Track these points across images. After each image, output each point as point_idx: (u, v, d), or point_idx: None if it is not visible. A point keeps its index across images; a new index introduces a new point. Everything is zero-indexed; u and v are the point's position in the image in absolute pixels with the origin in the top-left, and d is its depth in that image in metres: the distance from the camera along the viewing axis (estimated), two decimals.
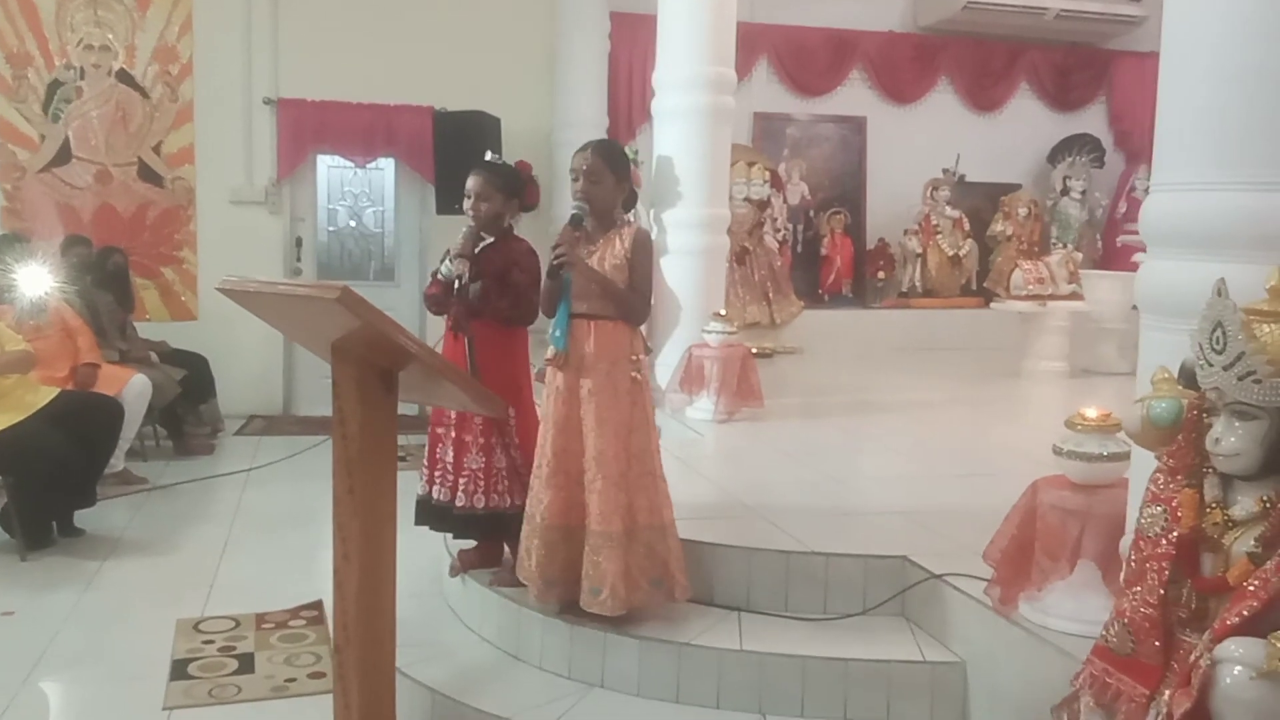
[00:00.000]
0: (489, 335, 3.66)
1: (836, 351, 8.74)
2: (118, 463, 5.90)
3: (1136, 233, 8.76)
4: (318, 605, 4.36)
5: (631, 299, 3.41)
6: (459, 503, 3.74)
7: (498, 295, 3.65)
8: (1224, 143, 2.24)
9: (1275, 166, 2.17)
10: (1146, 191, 8.70)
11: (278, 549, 5.15)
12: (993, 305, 8.64)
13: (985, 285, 9.86)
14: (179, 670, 3.78)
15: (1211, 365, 1.95)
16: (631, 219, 3.65)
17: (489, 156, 3.97)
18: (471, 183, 3.79)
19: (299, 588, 4.54)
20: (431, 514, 3.85)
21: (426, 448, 3.89)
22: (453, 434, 3.76)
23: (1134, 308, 8.01)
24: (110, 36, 7.96)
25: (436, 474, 3.82)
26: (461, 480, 3.74)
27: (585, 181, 3.42)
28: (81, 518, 5.22)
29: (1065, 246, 9.29)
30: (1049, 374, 7.81)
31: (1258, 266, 2.12)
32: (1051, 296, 7.86)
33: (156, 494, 6.02)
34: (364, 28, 8.31)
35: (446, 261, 3.73)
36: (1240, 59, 2.20)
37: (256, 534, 5.37)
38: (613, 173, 3.44)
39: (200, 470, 6.55)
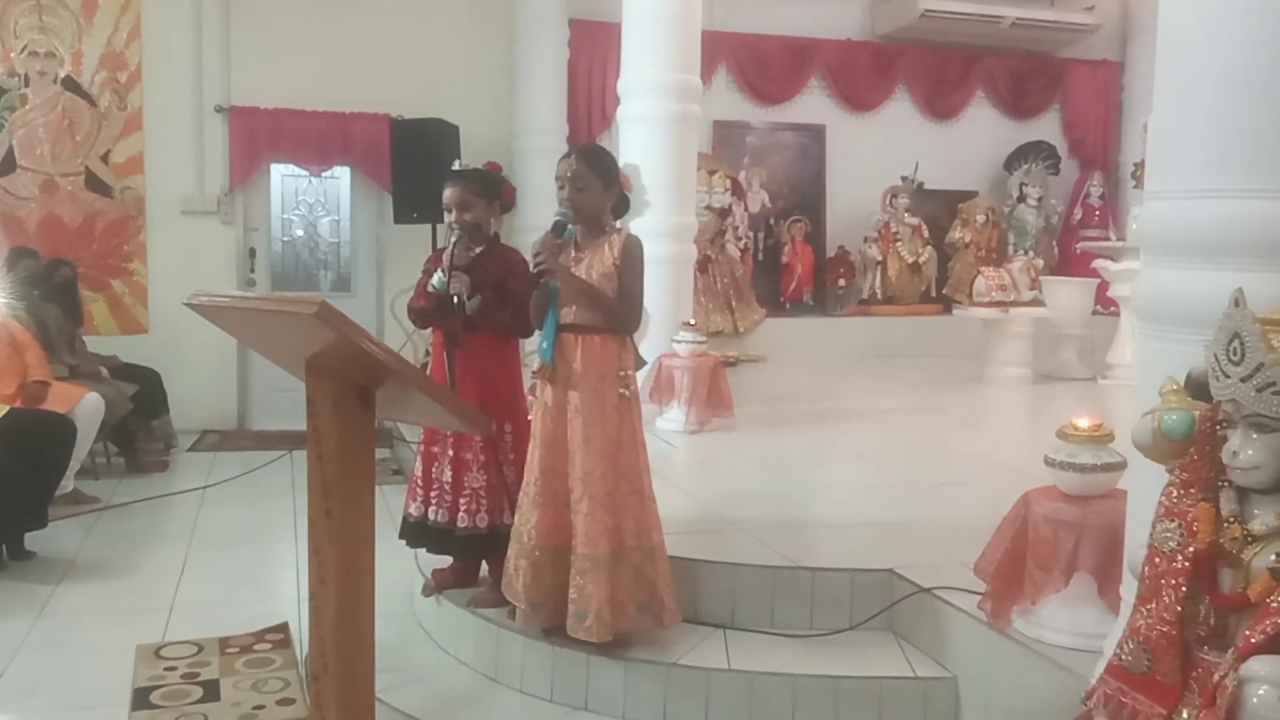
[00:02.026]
0: (484, 348, 3.58)
1: (799, 359, 8.75)
2: (68, 483, 5.71)
3: (1094, 238, 8.89)
4: (283, 628, 4.22)
5: (620, 308, 3.30)
6: (461, 523, 3.66)
7: (498, 307, 3.57)
8: (1228, 148, 2.20)
9: None
10: (1101, 198, 8.76)
11: (238, 569, 5.00)
12: (955, 311, 8.68)
13: (944, 292, 9.93)
14: (141, 699, 3.62)
15: (1228, 376, 1.90)
16: (618, 225, 3.56)
17: (457, 165, 3.88)
18: (449, 194, 3.68)
19: (262, 609, 4.40)
20: (430, 536, 3.76)
21: (419, 468, 3.79)
22: (450, 453, 3.67)
23: (1094, 313, 8.11)
24: (56, 43, 7.73)
25: (433, 494, 3.73)
26: (462, 500, 3.65)
27: (571, 189, 3.31)
28: (32, 540, 5.01)
29: (1026, 253, 9.37)
30: (1012, 380, 7.87)
31: (1266, 275, 2.09)
32: (1014, 303, 7.92)
33: (109, 514, 5.82)
34: (318, 34, 8.17)
35: (439, 274, 3.63)
36: (1245, 60, 2.16)
37: (215, 553, 5.20)
38: (599, 178, 3.33)
39: (154, 488, 6.35)
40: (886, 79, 10.05)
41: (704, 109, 6.58)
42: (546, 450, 3.33)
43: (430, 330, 3.87)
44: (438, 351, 3.76)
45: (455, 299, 3.61)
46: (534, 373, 3.36)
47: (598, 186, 3.33)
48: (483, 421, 2.78)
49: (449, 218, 3.70)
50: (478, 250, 3.70)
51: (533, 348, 3.67)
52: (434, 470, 3.73)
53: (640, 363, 3.68)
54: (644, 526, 3.32)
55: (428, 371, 4.00)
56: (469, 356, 3.64)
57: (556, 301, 3.29)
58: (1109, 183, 10.62)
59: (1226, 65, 2.19)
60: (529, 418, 3.72)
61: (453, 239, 3.72)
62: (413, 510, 3.80)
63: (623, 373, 3.31)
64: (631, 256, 3.32)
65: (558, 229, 3.29)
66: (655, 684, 3.25)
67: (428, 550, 3.88)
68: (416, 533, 3.80)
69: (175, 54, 7.96)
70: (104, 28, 7.81)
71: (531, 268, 3.25)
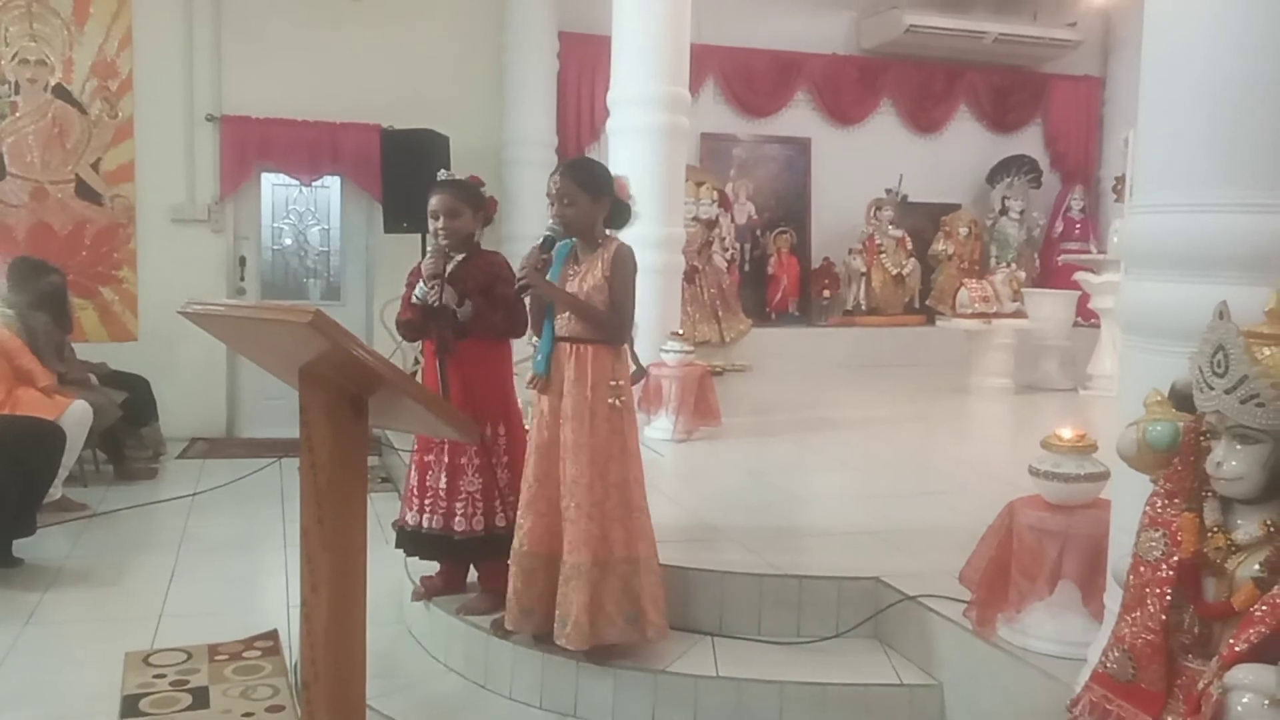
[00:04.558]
0: (476, 352, 3.61)
1: (785, 369, 8.79)
2: (56, 490, 5.68)
3: (1076, 251, 8.97)
4: (273, 635, 4.22)
5: (607, 320, 3.32)
6: (459, 527, 3.68)
7: (489, 311, 3.60)
8: (1212, 163, 2.24)
9: (1266, 187, 2.18)
10: (1082, 211, 8.85)
11: (227, 576, 4.99)
12: (938, 323, 8.75)
13: (928, 303, 10.00)
14: (129, 707, 3.61)
15: (1212, 388, 1.94)
16: (612, 235, 3.57)
17: (444, 175, 3.89)
18: (438, 202, 3.71)
19: (251, 616, 4.40)
20: (426, 543, 3.78)
21: (415, 476, 3.81)
22: (445, 459, 3.69)
23: (1075, 324, 8.19)
24: (47, 50, 7.71)
25: (427, 502, 3.75)
26: (458, 505, 3.68)
27: (559, 205, 3.34)
28: (20, 547, 5.00)
29: (1008, 265, 9.45)
30: (995, 390, 7.93)
31: (1248, 288, 2.12)
32: (996, 314, 7.98)
33: (98, 521, 5.80)
34: (309, 44, 8.18)
35: (420, 285, 3.66)
36: (1228, 76, 2.21)
37: (204, 561, 5.19)
38: (586, 193, 3.34)
39: (142, 495, 6.32)
40: (871, 93, 10.13)
41: (692, 121, 6.63)
42: (541, 457, 3.37)
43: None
44: (430, 360, 3.78)
45: (449, 307, 3.64)
46: (528, 384, 3.40)
47: (585, 200, 3.34)
48: (473, 430, 2.80)
49: (435, 225, 3.72)
50: (460, 258, 3.73)
51: (522, 354, 3.71)
52: (429, 478, 3.75)
53: (641, 373, 3.70)
54: (631, 538, 3.32)
55: (420, 379, 4.02)
56: (460, 362, 3.67)
57: (553, 314, 3.33)
58: (1090, 196, 10.71)
59: (1210, 81, 2.24)
60: (522, 421, 3.77)
61: (430, 250, 3.74)
62: (409, 519, 3.81)
63: (614, 383, 3.32)
64: (621, 267, 3.34)
65: (546, 244, 3.33)
66: (644, 691, 3.27)
67: (423, 558, 3.89)
68: (413, 541, 3.82)
69: (166, 63, 7.95)
70: (95, 36, 7.80)
71: (516, 283, 3.30)
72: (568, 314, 3.33)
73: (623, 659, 3.35)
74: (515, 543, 3.40)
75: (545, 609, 3.34)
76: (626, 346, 3.45)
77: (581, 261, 3.39)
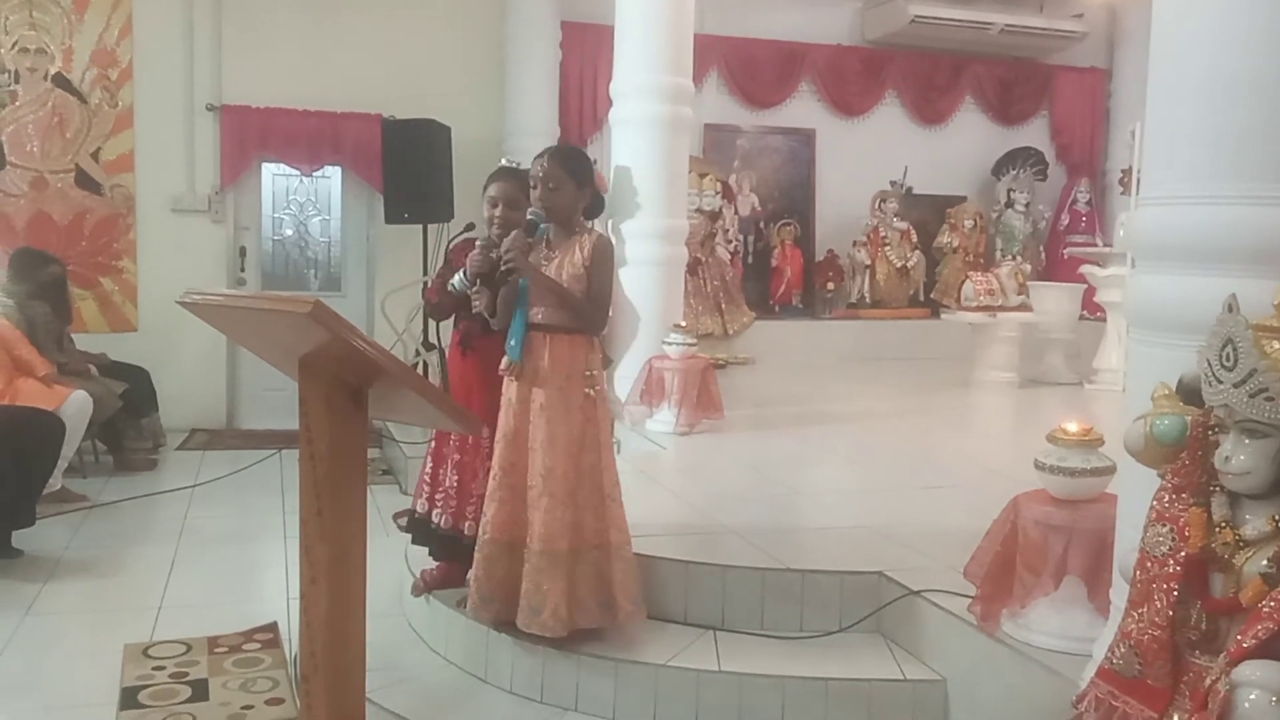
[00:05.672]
0: (497, 352, 3.54)
1: (788, 362, 8.77)
2: (56, 481, 5.68)
3: (1081, 244, 8.93)
4: (272, 627, 4.21)
5: (587, 308, 3.33)
6: (468, 531, 3.65)
7: None
8: (1221, 155, 2.22)
9: (1274, 179, 2.15)
10: (1088, 204, 8.82)
11: (227, 568, 4.99)
12: (943, 316, 8.72)
13: (932, 296, 9.97)
14: (129, 699, 3.61)
15: (1221, 382, 1.92)
16: (593, 226, 3.56)
17: (507, 162, 3.85)
18: (500, 189, 3.67)
19: (251, 608, 4.40)
20: (434, 539, 3.77)
21: (429, 465, 3.79)
22: (456, 456, 3.68)
23: (1080, 318, 8.16)
24: (47, 39, 7.68)
25: (438, 496, 3.73)
26: (468, 507, 3.66)
27: (543, 189, 3.34)
28: (19, 538, 4.99)
29: (1014, 258, 9.42)
30: (999, 384, 7.91)
31: (1256, 281, 2.11)
32: (1001, 308, 7.95)
33: (97, 512, 5.80)
34: (310, 33, 8.15)
35: (459, 276, 3.60)
36: (1236, 67, 2.18)
37: (204, 552, 5.18)
38: (572, 179, 3.37)
39: (142, 487, 6.33)
40: (876, 84, 10.08)
41: (695, 112, 6.59)
42: (508, 446, 3.36)
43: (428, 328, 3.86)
44: (454, 348, 3.78)
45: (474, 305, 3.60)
46: (501, 370, 3.37)
47: (570, 187, 3.35)
48: (474, 422, 2.77)
49: (492, 212, 3.67)
50: None
51: None
52: (441, 473, 3.74)
53: (607, 361, 3.69)
54: (602, 525, 3.33)
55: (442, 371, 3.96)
56: (481, 359, 3.65)
57: (525, 300, 3.31)
58: (1096, 189, 10.67)
59: (1217, 74, 2.22)
60: None
61: (479, 242, 3.65)
62: (418, 507, 3.81)
63: (589, 372, 3.33)
64: (602, 257, 3.35)
65: (530, 228, 3.33)
66: (645, 685, 3.25)
67: (431, 553, 3.87)
68: (421, 531, 3.81)
69: (166, 52, 7.93)
70: (95, 25, 7.77)
71: (500, 265, 3.28)
72: (542, 303, 3.31)
73: (622, 647, 3.34)
74: (480, 530, 3.41)
75: (504, 597, 3.36)
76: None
77: (555, 248, 3.38)
